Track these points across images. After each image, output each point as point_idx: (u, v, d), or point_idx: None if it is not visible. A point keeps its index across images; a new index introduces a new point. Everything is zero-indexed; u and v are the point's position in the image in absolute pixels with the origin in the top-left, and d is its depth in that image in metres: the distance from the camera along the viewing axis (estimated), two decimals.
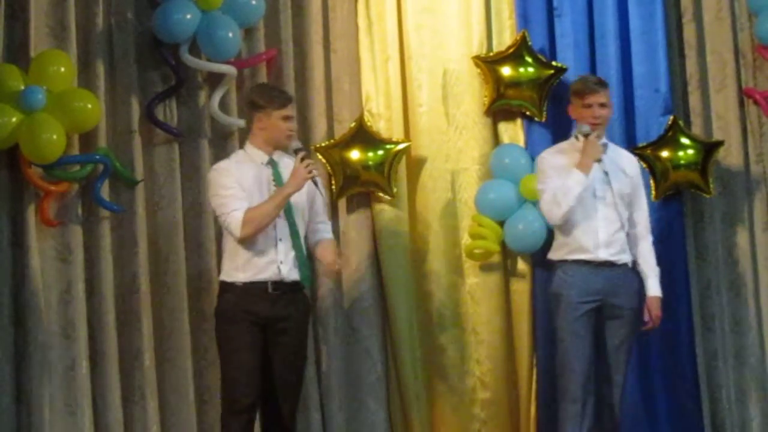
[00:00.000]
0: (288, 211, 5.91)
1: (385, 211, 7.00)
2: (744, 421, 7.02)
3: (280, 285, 5.87)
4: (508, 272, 7.14)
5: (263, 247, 5.86)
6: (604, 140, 6.37)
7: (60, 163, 6.21)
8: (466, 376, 7.08)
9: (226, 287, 5.91)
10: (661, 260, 6.75)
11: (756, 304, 7.11)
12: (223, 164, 5.99)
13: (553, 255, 6.42)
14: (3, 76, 6.12)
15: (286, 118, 5.94)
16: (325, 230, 6.16)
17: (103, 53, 6.45)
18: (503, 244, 7.03)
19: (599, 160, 6.22)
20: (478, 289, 7.10)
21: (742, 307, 7.10)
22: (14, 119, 6.07)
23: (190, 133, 6.62)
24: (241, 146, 6.19)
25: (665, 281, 6.94)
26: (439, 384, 7.06)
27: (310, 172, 5.82)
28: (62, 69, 6.21)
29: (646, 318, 6.33)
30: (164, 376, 6.48)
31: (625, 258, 6.31)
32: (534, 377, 7.07)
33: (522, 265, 7.09)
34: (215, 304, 6.00)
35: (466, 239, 7.08)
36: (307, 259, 5.99)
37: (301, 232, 5.97)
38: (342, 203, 6.97)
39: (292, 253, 5.90)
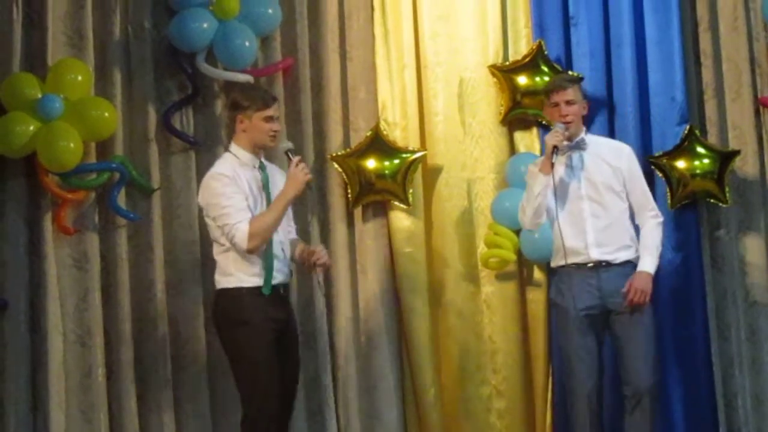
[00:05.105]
0: None
1: (400, 219, 7.01)
2: (760, 429, 6.98)
3: (286, 287, 5.83)
4: (524, 281, 7.14)
5: (273, 253, 5.69)
6: (581, 136, 6.21)
7: (77, 171, 6.24)
8: (482, 384, 7.07)
9: (240, 293, 5.64)
10: (677, 269, 6.77)
11: None
12: (221, 170, 5.68)
13: (552, 262, 6.35)
14: (20, 85, 6.17)
15: (268, 119, 5.74)
16: (294, 231, 6.02)
17: (119, 62, 6.49)
18: (519, 253, 7.01)
19: (555, 151, 6.00)
20: (494, 298, 7.10)
21: (758, 316, 7.06)
22: (31, 127, 6.11)
23: (207, 141, 6.64)
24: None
25: (681, 290, 6.94)
26: (454, 392, 7.05)
27: (306, 174, 5.69)
28: (79, 77, 6.25)
29: (626, 288, 6.02)
30: (180, 384, 6.49)
31: (626, 255, 6.11)
32: (550, 386, 7.05)
33: (538, 274, 7.08)
34: (224, 312, 5.70)
35: (481, 248, 7.07)
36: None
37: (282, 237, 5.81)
38: (358, 212, 6.98)
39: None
